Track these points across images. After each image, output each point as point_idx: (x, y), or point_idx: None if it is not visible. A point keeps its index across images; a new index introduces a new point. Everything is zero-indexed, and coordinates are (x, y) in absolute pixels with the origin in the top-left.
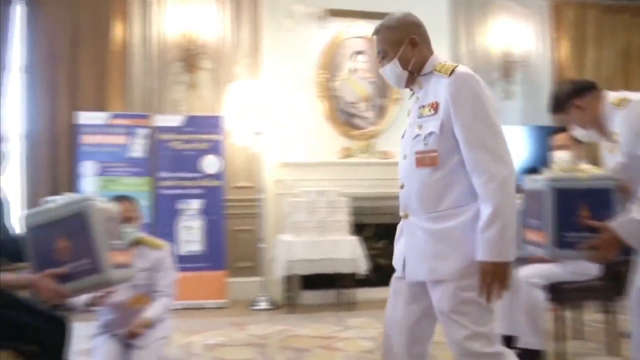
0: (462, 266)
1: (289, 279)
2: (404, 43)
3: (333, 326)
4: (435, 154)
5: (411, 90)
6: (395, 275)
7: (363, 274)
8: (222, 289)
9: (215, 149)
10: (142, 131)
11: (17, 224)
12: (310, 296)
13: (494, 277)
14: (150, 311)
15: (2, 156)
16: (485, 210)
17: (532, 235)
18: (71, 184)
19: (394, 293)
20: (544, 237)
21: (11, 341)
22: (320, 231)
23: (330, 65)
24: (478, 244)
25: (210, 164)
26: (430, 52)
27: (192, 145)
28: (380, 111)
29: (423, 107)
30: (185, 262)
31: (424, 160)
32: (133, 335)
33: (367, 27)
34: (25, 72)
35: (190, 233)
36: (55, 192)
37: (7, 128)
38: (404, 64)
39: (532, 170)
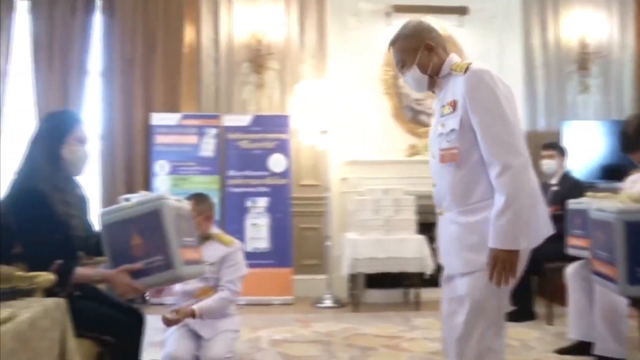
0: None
1: (354, 277)
2: (420, 49)
3: (398, 326)
4: (455, 150)
5: (433, 92)
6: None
7: (429, 274)
8: (288, 286)
9: (282, 147)
10: (212, 131)
11: (95, 220)
12: (375, 295)
13: (504, 264)
14: (201, 302)
15: (84, 156)
16: (499, 200)
17: (601, 268)
18: (145, 183)
19: (443, 292)
20: (614, 272)
21: (91, 331)
22: (386, 229)
23: None
24: (490, 231)
25: (277, 162)
26: (447, 53)
27: (260, 144)
28: None
29: (444, 106)
30: (252, 258)
31: (446, 156)
32: (169, 322)
33: (435, 22)
34: (103, 76)
35: (257, 230)
36: (130, 190)
37: (88, 129)
38: (423, 69)
39: (612, 168)
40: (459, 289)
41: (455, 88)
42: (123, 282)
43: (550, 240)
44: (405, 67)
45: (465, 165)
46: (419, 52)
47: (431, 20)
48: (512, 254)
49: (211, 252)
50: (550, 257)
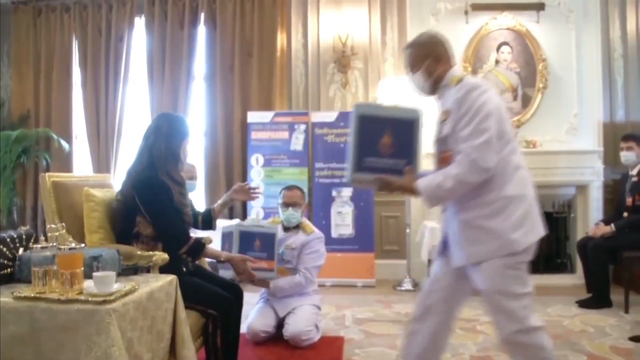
0: (494, 248)
1: (432, 263)
2: (429, 58)
3: (475, 309)
4: (449, 153)
5: (435, 98)
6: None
7: None
8: (371, 269)
9: None
10: (301, 127)
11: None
12: None
13: (397, 188)
14: (278, 281)
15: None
16: (450, 170)
17: None
18: (243, 174)
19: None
20: None
21: (199, 304)
22: None
23: (474, 57)
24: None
25: None
26: (451, 66)
27: (345, 138)
28: (525, 100)
29: (442, 113)
30: (338, 244)
31: (442, 159)
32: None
33: (512, 19)
34: (206, 80)
35: (343, 218)
36: (230, 181)
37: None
38: (427, 76)
39: None
40: (478, 284)
41: (450, 98)
42: (242, 268)
43: (628, 230)
44: (413, 70)
45: None
46: (427, 61)
47: (508, 17)
48: (409, 191)
49: (294, 238)
50: (628, 246)
